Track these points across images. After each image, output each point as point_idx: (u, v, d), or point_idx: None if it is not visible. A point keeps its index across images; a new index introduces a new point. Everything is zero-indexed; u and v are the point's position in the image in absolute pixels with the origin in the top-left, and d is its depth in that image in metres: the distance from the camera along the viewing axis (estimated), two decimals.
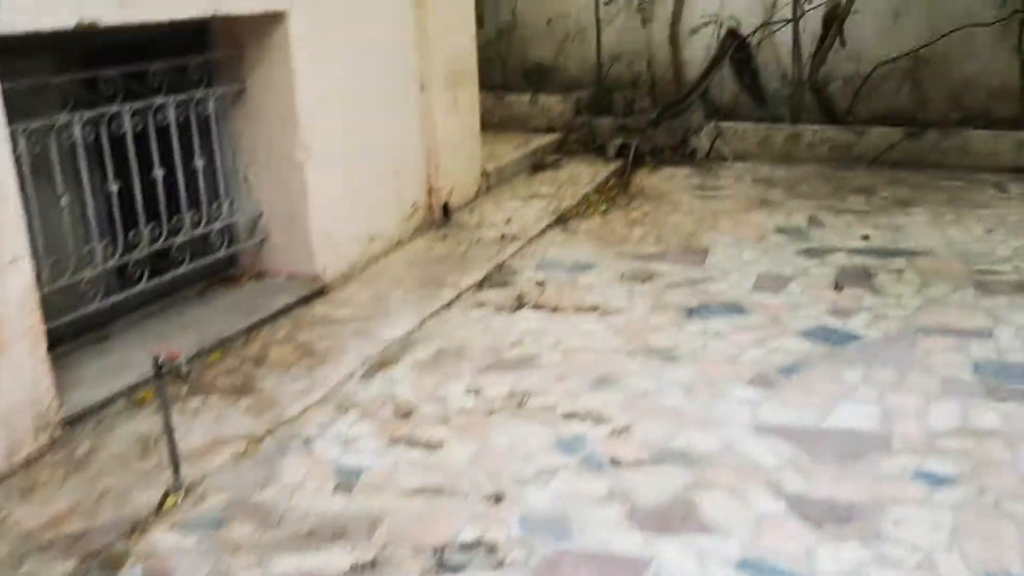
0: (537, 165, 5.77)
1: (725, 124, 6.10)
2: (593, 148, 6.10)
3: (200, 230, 3.49)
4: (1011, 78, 5.91)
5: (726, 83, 6.45)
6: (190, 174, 3.48)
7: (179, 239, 3.39)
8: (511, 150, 5.71)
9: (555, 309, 3.58)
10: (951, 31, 5.84)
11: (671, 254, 4.19)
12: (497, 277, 3.95)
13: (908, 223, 4.48)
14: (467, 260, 4.11)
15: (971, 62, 6.02)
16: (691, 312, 3.49)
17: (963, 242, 4.16)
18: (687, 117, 6.16)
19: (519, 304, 3.65)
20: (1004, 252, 4.00)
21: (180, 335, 3.19)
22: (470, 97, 4.90)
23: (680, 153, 6.00)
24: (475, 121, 4.98)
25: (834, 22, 5.98)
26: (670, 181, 5.51)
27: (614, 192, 5.25)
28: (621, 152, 5.91)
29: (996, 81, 5.99)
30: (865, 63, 6.13)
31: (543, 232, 4.53)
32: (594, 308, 3.58)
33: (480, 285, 3.85)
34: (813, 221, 4.59)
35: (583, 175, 5.53)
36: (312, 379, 2.98)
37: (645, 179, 5.55)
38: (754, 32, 6.27)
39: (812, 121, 6.08)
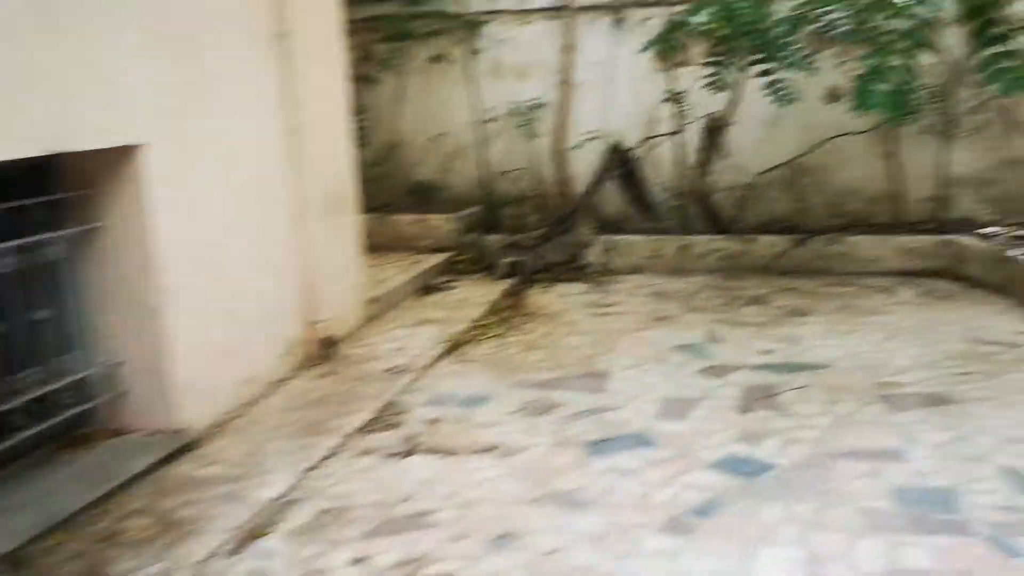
0: (427, 288, 5.54)
1: (615, 237, 6.04)
2: (484, 267, 5.93)
3: (46, 388, 3.10)
4: (884, 184, 6.07)
5: (613, 197, 6.42)
6: (34, 325, 3.10)
7: (19, 400, 2.98)
8: (398, 273, 5.48)
9: (450, 452, 3.29)
10: (825, 141, 5.97)
11: (571, 380, 3.98)
12: (385, 417, 3.64)
13: (805, 334, 4.41)
14: (351, 399, 3.79)
15: (847, 170, 6.17)
16: (596, 447, 3.26)
17: (862, 352, 4.10)
18: (577, 232, 6.08)
19: (410, 449, 3.34)
20: (903, 362, 3.94)
21: (17, 514, 2.76)
22: (350, 223, 4.67)
23: (572, 269, 5.88)
24: (356, 247, 4.74)
25: (715, 133, 6.05)
26: (564, 299, 5.35)
27: (508, 314, 5.05)
28: (512, 271, 5.75)
29: (872, 188, 6.13)
30: (746, 173, 6.20)
31: (435, 362, 4.26)
32: (492, 448, 3.30)
33: (366, 428, 3.53)
34: (712, 336, 4.48)
35: (475, 296, 5.32)
36: (172, 559, 2.58)
37: (539, 298, 5.38)
38: (638, 145, 6.30)
39: (700, 231, 6.08)
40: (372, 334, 4.65)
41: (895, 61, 2.80)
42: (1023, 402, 3.41)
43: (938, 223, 5.92)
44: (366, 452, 3.33)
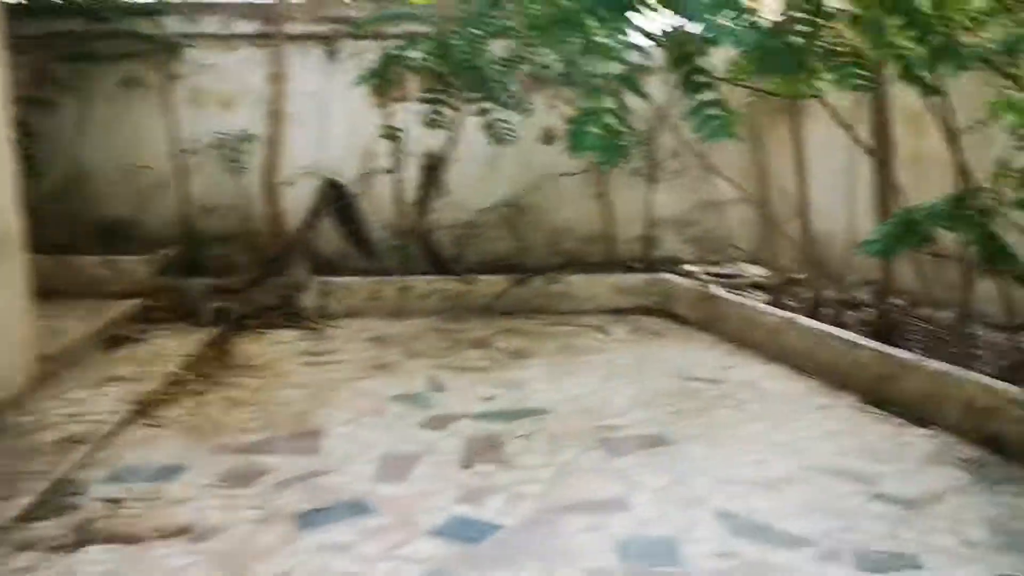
0: (115, 340, 4.88)
1: (332, 279, 5.70)
2: (185, 314, 5.35)
3: None
4: (598, 224, 6.23)
5: (330, 236, 6.10)
6: None
7: None
8: (80, 324, 4.79)
9: (133, 539, 2.79)
10: (541, 181, 6.03)
11: (281, 441, 3.59)
12: (53, 501, 3.06)
13: (528, 378, 4.33)
14: (11, 481, 3.16)
15: (563, 210, 6.27)
16: (307, 519, 2.90)
17: (582, 395, 4.06)
18: (290, 274, 5.68)
19: (83, 539, 2.80)
20: (621, 402, 3.94)
21: None
22: (16, 266, 3.99)
23: (286, 314, 5.47)
24: (25, 295, 4.05)
25: (434, 171, 5.92)
26: (276, 348, 4.93)
27: (211, 367, 4.55)
28: (218, 318, 5.24)
29: (586, 227, 6.28)
30: (467, 211, 6.13)
31: (120, 428, 3.69)
32: (185, 531, 2.85)
33: (27, 516, 2.93)
34: (434, 384, 4.27)
35: (173, 348, 4.76)
36: None
37: (248, 347, 4.92)
38: (355, 182, 6.03)
39: (421, 271, 5.91)
40: (44, 397, 3.98)
41: (606, 105, 2.72)
42: (731, 440, 3.49)
43: (646, 262, 6.15)
44: (25, 547, 2.75)
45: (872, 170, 4.21)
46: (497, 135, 4.83)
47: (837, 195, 4.82)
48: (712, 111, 2.72)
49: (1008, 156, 3.57)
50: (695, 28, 2.67)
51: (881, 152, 4.08)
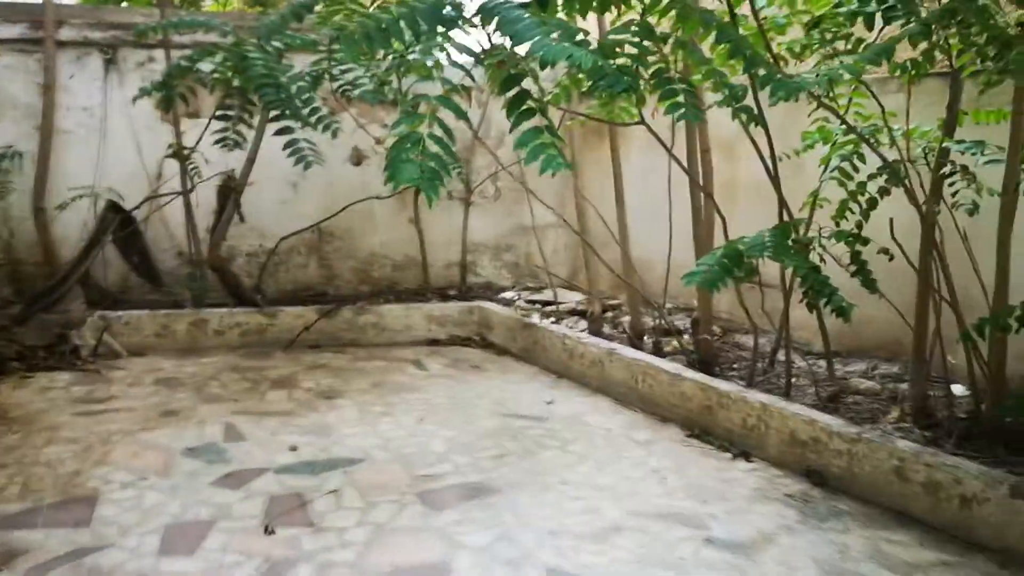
0: None
1: (114, 314, 5.10)
2: None
3: None
4: (412, 249, 5.94)
5: (113, 265, 5.48)
6: None
7: None
8: None
9: None
10: (350, 204, 5.68)
11: (45, 512, 3.05)
12: None
13: (337, 421, 3.96)
14: None
15: (374, 235, 5.95)
16: None
17: (398, 439, 3.74)
18: (65, 308, 5.03)
19: None
20: (440, 447, 3.65)
21: None
22: None
23: (58, 355, 4.82)
24: None
25: (231, 194, 5.44)
26: (45, 395, 4.31)
27: None
28: None
29: (399, 253, 5.98)
30: (269, 237, 5.69)
31: None
32: None
33: None
34: (231, 433, 3.82)
35: None
36: None
37: (10, 396, 4.26)
38: (139, 205, 5.45)
39: (219, 303, 5.40)
40: None
41: (426, 130, 2.44)
42: (558, 485, 3.28)
43: (463, 289, 5.93)
44: None
45: (690, 196, 4.15)
46: (301, 157, 4.46)
47: (655, 221, 4.76)
48: (543, 139, 2.51)
49: (821, 186, 3.59)
50: (521, 48, 2.45)
51: (705, 181, 4.03)
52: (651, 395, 3.98)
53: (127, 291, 5.51)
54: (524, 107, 2.56)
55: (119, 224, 5.39)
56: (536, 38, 2.33)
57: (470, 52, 2.82)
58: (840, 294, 2.90)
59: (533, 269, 6.16)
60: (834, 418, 3.13)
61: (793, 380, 3.71)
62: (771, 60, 2.87)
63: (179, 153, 5.17)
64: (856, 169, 3.43)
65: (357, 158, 5.88)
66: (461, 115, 2.70)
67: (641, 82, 2.66)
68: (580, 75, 2.81)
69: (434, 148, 2.50)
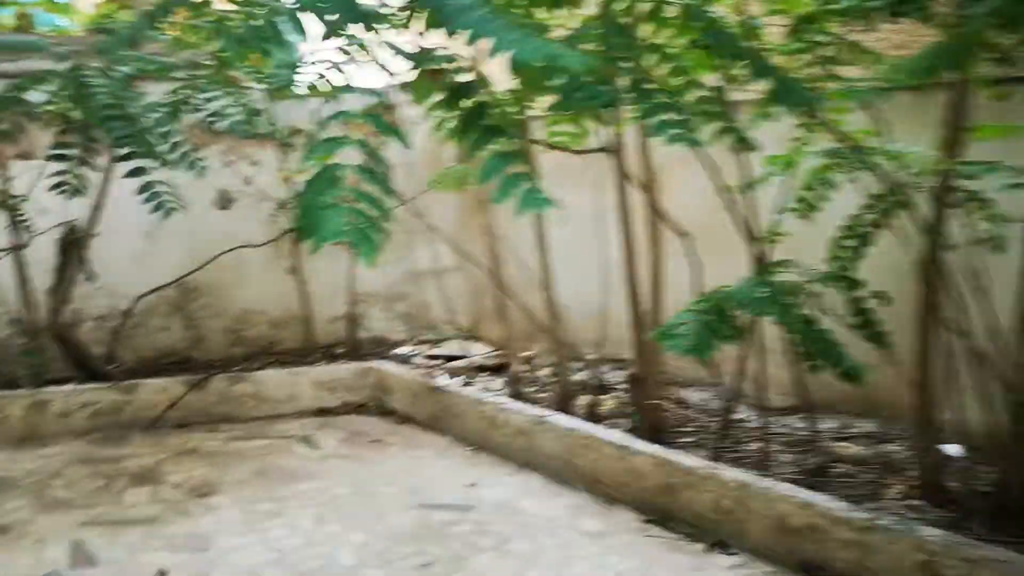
0: None
1: None
2: None
3: None
4: (292, 303, 5.22)
5: None
6: None
7: None
8: None
9: None
10: (218, 255, 4.92)
11: None
12: None
13: (216, 528, 3.21)
14: None
15: (247, 288, 5.20)
16: None
17: (295, 549, 3.03)
18: None
19: None
20: (348, 559, 2.96)
21: None
22: None
23: None
24: None
25: (74, 248, 4.58)
26: None
27: None
28: None
29: (276, 308, 5.25)
30: (123, 297, 4.85)
31: None
32: None
33: None
34: (79, 554, 3.02)
35: None
36: None
37: None
38: None
39: (63, 378, 4.53)
40: None
41: (347, 163, 1.83)
42: None
43: (351, 345, 5.24)
44: None
45: (620, 233, 3.63)
46: (160, 203, 3.70)
47: (579, 262, 4.24)
48: (515, 168, 1.91)
49: (778, 218, 3.13)
50: (480, 46, 1.86)
51: (654, 215, 3.52)
52: (594, 472, 3.41)
53: None
54: (484, 123, 1.95)
55: None
56: (501, 33, 1.75)
57: (406, 54, 2.19)
58: (847, 354, 2.42)
59: (430, 320, 5.53)
60: (833, 499, 2.64)
61: (766, 448, 3.22)
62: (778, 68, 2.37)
63: (5, 201, 4.30)
64: (824, 199, 2.99)
65: (224, 201, 5.13)
66: (401, 139, 2.09)
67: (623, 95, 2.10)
68: (532, 85, 2.23)
69: (366, 187, 1.88)
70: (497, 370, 4.74)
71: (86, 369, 4.55)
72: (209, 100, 4.20)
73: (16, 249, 4.48)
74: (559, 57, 1.75)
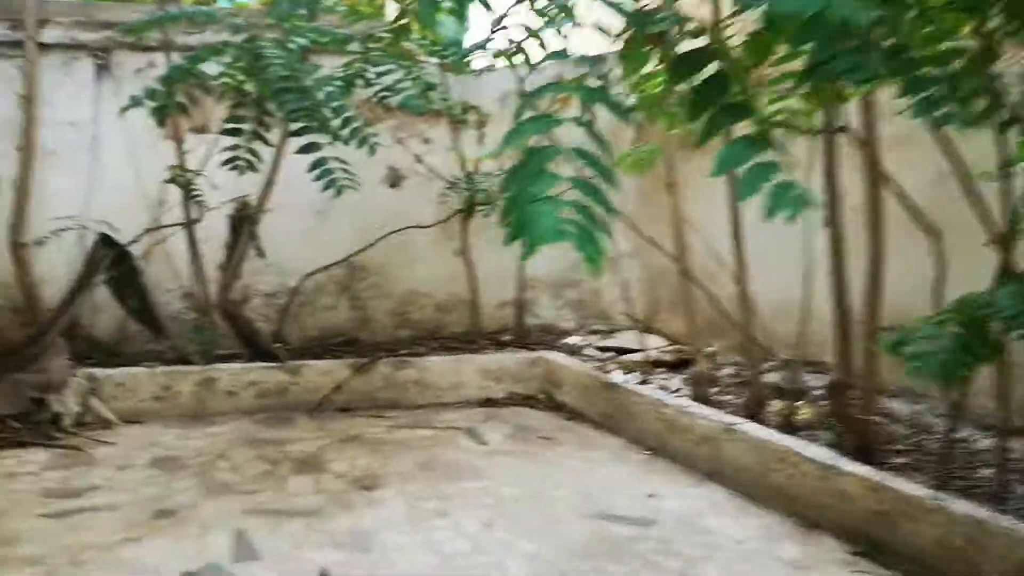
0: None
1: (104, 372, 4.20)
2: None
3: None
4: (459, 287, 5.02)
5: (106, 309, 4.60)
6: None
7: None
8: None
9: None
10: (386, 234, 4.77)
11: None
12: None
13: (379, 525, 3.01)
14: None
15: (415, 270, 5.04)
16: None
17: (461, 556, 2.79)
18: (44, 367, 4.14)
19: None
20: (519, 572, 2.70)
21: None
22: None
23: (33, 425, 3.93)
24: None
25: (245, 225, 4.54)
26: (10, 484, 3.40)
27: None
28: None
29: (442, 291, 5.06)
30: (291, 274, 4.79)
31: None
32: None
33: None
34: (242, 545, 2.89)
35: None
36: None
37: None
38: (137, 239, 4.55)
39: (231, 354, 4.50)
40: None
41: (562, 148, 1.52)
42: None
43: (518, 332, 4.99)
44: None
45: (828, 222, 3.18)
46: (332, 180, 3.54)
47: (776, 250, 3.81)
48: (765, 159, 1.56)
49: None
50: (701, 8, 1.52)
51: (872, 210, 3.07)
52: (791, 491, 3.01)
53: (124, 341, 4.62)
54: (723, 101, 1.60)
55: (113, 261, 4.50)
56: None
57: (624, 12, 1.86)
58: None
59: (602, 309, 5.21)
60: None
61: (1000, 475, 2.73)
62: None
63: (179, 177, 4.28)
64: None
65: (394, 179, 4.98)
66: (621, 116, 1.77)
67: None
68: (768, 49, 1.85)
69: (589, 182, 1.57)
70: (675, 367, 4.37)
71: (253, 346, 4.50)
72: (382, 74, 4.03)
73: (189, 224, 4.46)
74: (834, 6, 1.38)
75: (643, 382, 4.02)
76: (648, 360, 4.44)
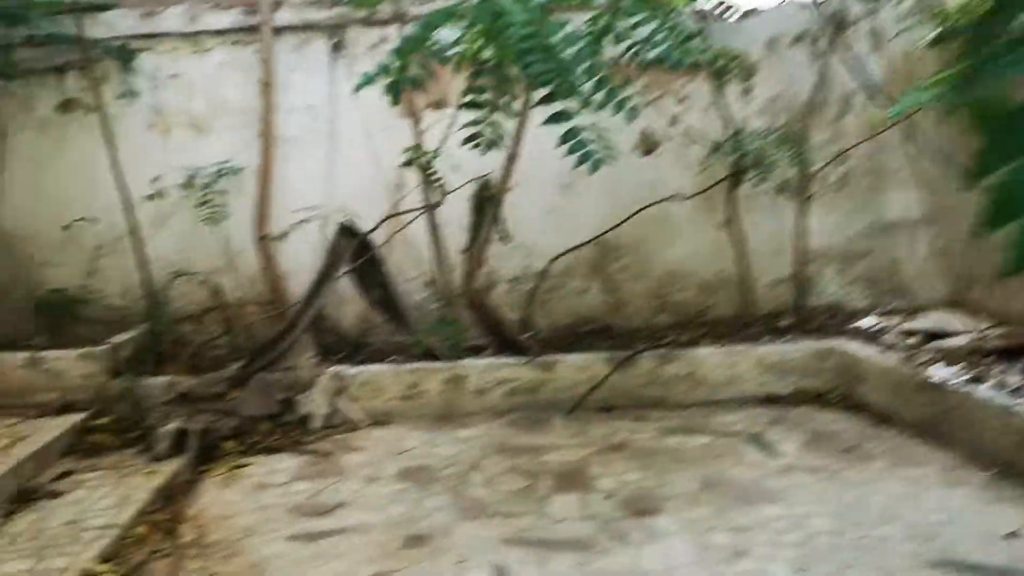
0: (25, 495, 3.21)
1: (351, 371, 3.96)
2: (137, 438, 3.67)
3: None
4: (725, 263, 4.39)
5: (348, 301, 4.38)
6: None
7: None
8: None
9: None
10: (640, 209, 4.22)
11: None
12: None
13: (664, 567, 2.50)
14: None
15: (674, 246, 4.46)
16: None
17: None
18: (291, 364, 3.96)
19: None
20: None
21: None
22: None
23: (281, 427, 3.75)
24: None
25: (489, 205, 4.14)
26: (259, 498, 3.19)
27: (150, 546, 2.84)
28: (179, 444, 3.53)
29: (707, 269, 4.44)
30: (537, 256, 4.35)
31: None
32: None
33: None
34: None
35: (99, 510, 3.06)
36: None
37: (215, 499, 3.20)
38: (378, 226, 4.29)
39: (476, 346, 4.14)
40: None
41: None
42: None
43: (798, 314, 4.29)
44: None
45: None
46: (586, 153, 3.02)
47: None
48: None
49: None
50: None
51: None
52: None
53: (367, 333, 4.40)
54: None
55: (355, 251, 4.26)
56: None
57: None
58: None
59: (900, 285, 4.39)
60: None
61: None
62: None
63: (418, 157, 3.93)
64: None
65: (648, 145, 4.40)
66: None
67: None
68: None
69: None
70: (1010, 355, 3.51)
71: (500, 337, 4.12)
72: (635, 26, 3.46)
73: (430, 208, 4.13)
74: None
75: (975, 379, 3.22)
76: (970, 348, 3.61)
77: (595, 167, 2.97)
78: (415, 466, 3.39)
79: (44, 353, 3.96)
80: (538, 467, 3.30)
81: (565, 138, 3.03)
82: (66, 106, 4.39)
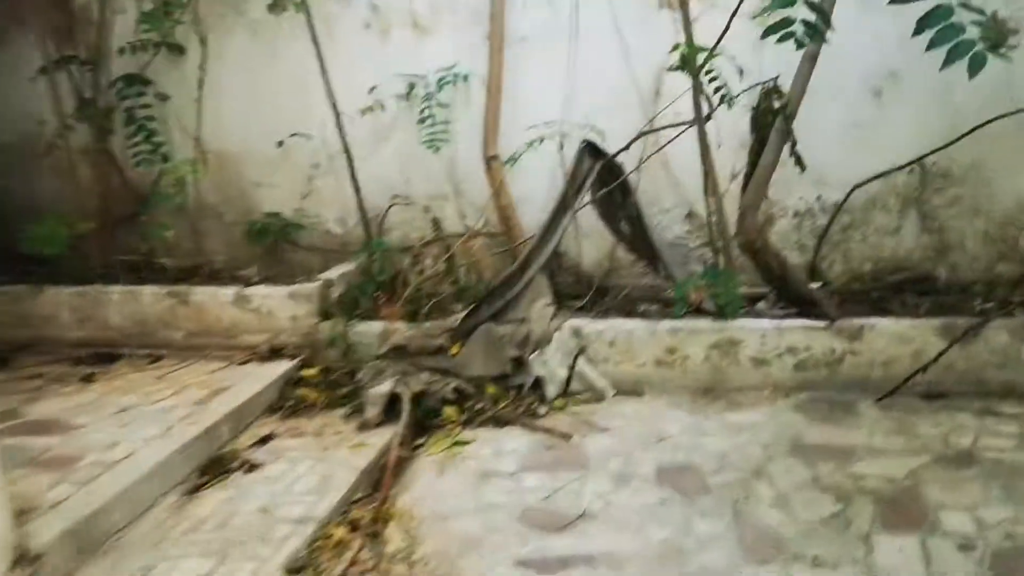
0: (217, 464, 2.75)
1: (595, 327, 3.21)
2: (346, 396, 3.14)
3: None
4: None
5: (590, 235, 3.63)
6: None
7: None
8: (162, 434, 2.71)
9: None
10: (982, 124, 3.12)
11: None
12: None
13: None
14: None
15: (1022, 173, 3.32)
16: None
17: None
18: (523, 316, 3.28)
19: None
20: None
21: None
22: None
23: (510, 393, 3.10)
24: None
25: (774, 121, 3.16)
26: (481, 492, 2.55)
27: (349, 553, 2.27)
28: (393, 410, 2.96)
29: None
30: (832, 185, 3.39)
31: None
32: None
33: None
34: None
35: (297, 495, 2.54)
36: None
37: (430, 486, 2.59)
38: (629, 146, 3.45)
39: (751, 294, 3.28)
40: None
41: None
42: None
43: None
44: None
45: None
46: (961, 45, 2.01)
47: None
48: None
49: None
50: None
51: None
52: None
53: (611, 274, 3.64)
54: None
55: (600, 175, 3.47)
56: None
57: None
58: None
59: None
60: None
61: None
62: None
63: (689, 57, 3.03)
64: None
65: (995, 37, 3.25)
66: None
67: None
68: None
69: None
70: None
71: (783, 287, 3.22)
72: None
73: (699, 123, 3.23)
74: None
75: None
76: None
77: (977, 65, 1.97)
78: (677, 463, 2.62)
79: (252, 290, 3.51)
80: (850, 482, 2.43)
81: (925, 21, 2.04)
82: (274, 6, 3.84)
